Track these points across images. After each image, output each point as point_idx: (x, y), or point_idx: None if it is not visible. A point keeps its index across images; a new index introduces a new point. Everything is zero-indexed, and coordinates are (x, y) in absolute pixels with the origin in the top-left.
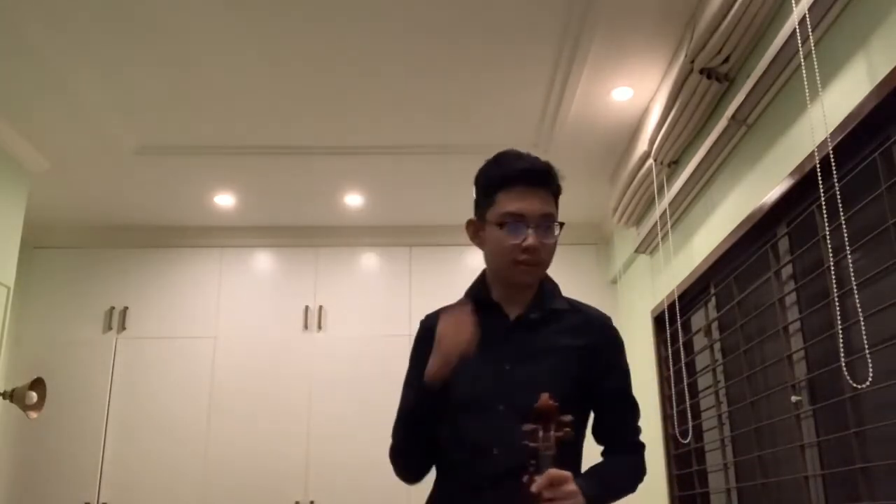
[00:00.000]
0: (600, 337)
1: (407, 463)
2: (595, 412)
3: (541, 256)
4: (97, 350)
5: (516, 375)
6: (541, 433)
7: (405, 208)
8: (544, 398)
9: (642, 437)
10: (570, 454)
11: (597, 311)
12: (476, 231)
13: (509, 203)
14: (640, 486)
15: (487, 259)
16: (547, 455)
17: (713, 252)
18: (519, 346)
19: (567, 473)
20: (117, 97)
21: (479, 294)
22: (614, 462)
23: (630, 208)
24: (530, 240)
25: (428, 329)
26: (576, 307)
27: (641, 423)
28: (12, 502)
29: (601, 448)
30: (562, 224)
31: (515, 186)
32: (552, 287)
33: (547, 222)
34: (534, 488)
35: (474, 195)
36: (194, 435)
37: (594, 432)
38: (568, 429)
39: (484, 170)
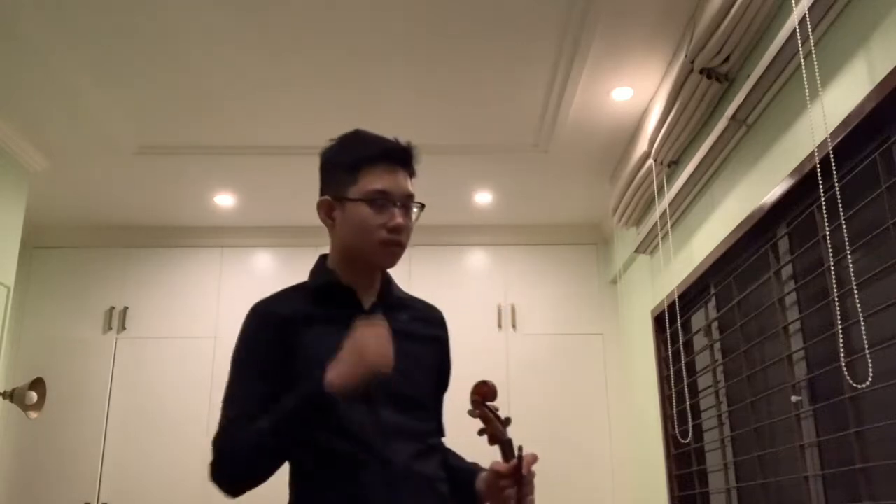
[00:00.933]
0: (444, 330)
1: (269, 466)
2: None
3: (403, 237)
4: (97, 350)
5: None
6: (493, 417)
7: None
8: (491, 384)
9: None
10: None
11: (431, 304)
12: (330, 211)
13: (375, 180)
14: (640, 486)
15: (344, 239)
16: (510, 439)
17: (713, 252)
18: None
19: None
20: (117, 97)
21: (328, 279)
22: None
23: (630, 208)
24: (398, 219)
25: (270, 316)
26: (414, 298)
27: (641, 422)
28: (12, 502)
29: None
30: (422, 205)
31: (380, 164)
32: (391, 277)
33: (410, 202)
34: (525, 470)
35: (325, 173)
36: (194, 435)
37: None
38: (503, 414)
39: (342, 146)
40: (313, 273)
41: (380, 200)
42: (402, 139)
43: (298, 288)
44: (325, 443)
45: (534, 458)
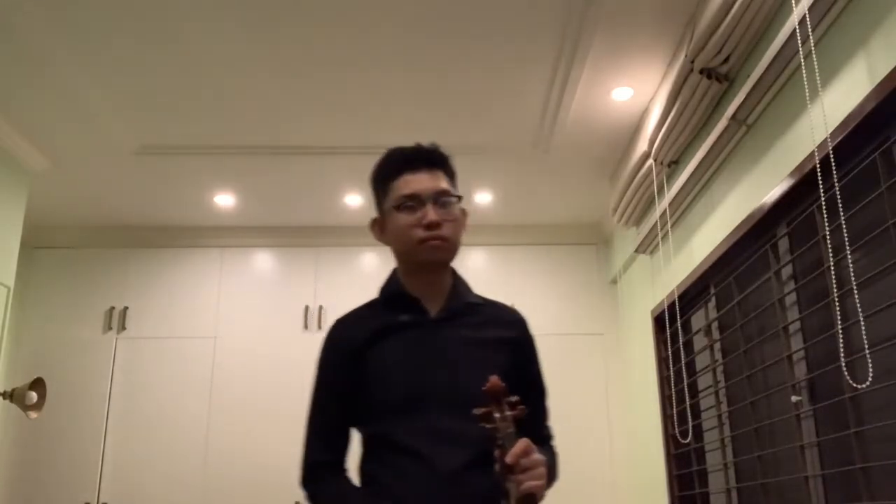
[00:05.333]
0: (520, 330)
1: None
2: None
3: (444, 231)
4: (97, 350)
5: (450, 369)
6: (496, 414)
7: None
8: (493, 380)
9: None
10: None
11: (510, 306)
12: (380, 228)
13: (403, 186)
14: (640, 486)
15: (395, 250)
16: (510, 432)
17: (713, 252)
18: (446, 341)
19: (531, 443)
20: (117, 97)
21: (395, 290)
22: (544, 449)
23: (630, 208)
24: (430, 215)
25: (338, 342)
26: (489, 301)
27: (642, 421)
28: (12, 502)
29: None
30: (460, 197)
31: (406, 172)
32: (464, 282)
33: (443, 198)
34: (509, 459)
35: (373, 196)
36: (194, 435)
37: None
38: (521, 406)
39: (376, 167)
40: (383, 286)
41: (408, 203)
42: (427, 142)
43: (370, 304)
44: (386, 453)
45: (522, 448)
